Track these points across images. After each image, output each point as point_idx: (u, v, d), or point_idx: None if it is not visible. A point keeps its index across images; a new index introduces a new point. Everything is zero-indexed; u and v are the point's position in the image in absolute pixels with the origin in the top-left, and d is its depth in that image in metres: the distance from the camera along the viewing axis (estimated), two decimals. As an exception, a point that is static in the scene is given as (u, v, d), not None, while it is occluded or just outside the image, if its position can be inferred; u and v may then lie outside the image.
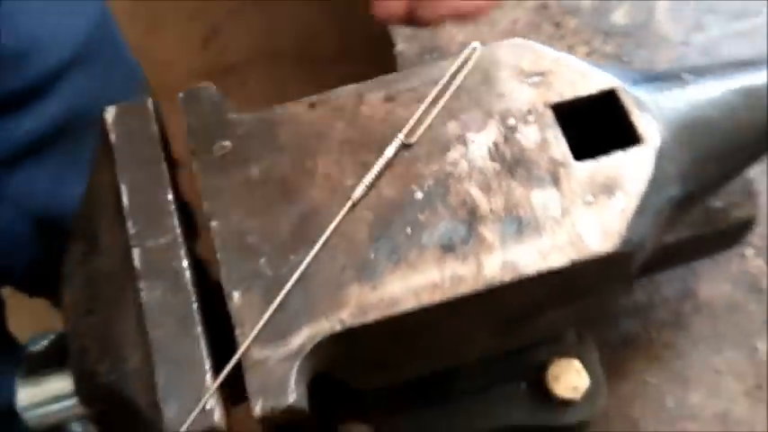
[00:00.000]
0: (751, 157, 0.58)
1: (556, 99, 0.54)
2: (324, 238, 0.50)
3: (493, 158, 0.53)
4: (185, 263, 0.51)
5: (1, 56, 0.76)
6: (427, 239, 0.51)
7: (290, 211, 0.52)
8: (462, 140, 0.54)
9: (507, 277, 0.50)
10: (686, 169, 0.54)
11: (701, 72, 0.57)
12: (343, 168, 0.53)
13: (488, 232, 0.51)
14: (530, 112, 0.54)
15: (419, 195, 0.52)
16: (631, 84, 0.55)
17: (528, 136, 0.53)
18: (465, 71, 0.55)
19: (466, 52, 0.56)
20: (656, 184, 0.52)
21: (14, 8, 0.76)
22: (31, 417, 0.60)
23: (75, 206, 0.56)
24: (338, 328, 0.48)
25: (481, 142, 0.53)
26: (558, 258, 0.50)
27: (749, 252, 0.71)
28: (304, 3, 1.75)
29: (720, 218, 0.61)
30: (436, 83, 0.55)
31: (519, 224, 0.51)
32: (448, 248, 0.50)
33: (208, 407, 0.46)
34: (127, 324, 0.50)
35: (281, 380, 0.47)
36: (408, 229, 0.51)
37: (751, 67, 0.57)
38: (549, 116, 0.54)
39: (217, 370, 0.48)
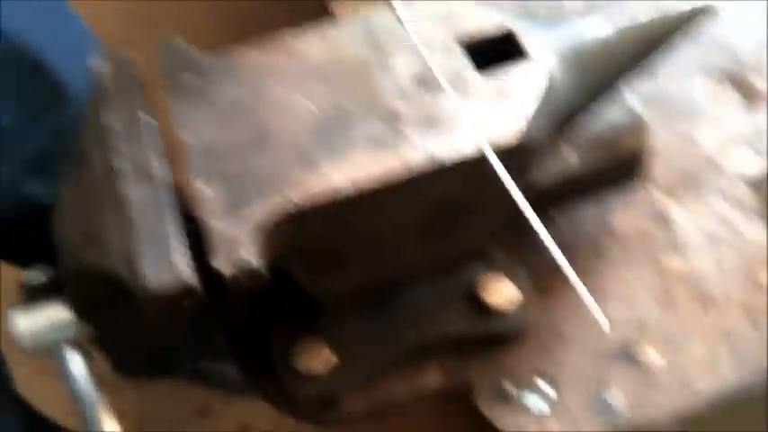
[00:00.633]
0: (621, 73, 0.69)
1: (463, 36, 0.66)
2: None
3: (412, 78, 0.64)
4: (157, 164, 0.61)
5: None
6: (360, 137, 0.61)
7: (248, 127, 0.63)
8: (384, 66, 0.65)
9: (428, 165, 0.60)
10: (568, 85, 0.65)
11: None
12: (292, 92, 0.64)
13: (409, 131, 0.62)
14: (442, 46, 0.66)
15: (352, 107, 0.63)
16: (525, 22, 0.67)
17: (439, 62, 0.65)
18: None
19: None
20: (548, 94, 0.64)
21: None
22: (26, 341, 0.69)
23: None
24: (289, 207, 0.58)
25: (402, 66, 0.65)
26: (469, 149, 0.60)
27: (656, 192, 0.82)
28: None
29: (612, 146, 0.72)
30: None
31: (435, 124, 0.62)
32: (378, 144, 0.61)
33: (174, 260, 0.55)
34: (108, 216, 0.59)
35: (238, 239, 0.56)
36: (344, 130, 0.62)
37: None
38: (457, 48, 0.66)
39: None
